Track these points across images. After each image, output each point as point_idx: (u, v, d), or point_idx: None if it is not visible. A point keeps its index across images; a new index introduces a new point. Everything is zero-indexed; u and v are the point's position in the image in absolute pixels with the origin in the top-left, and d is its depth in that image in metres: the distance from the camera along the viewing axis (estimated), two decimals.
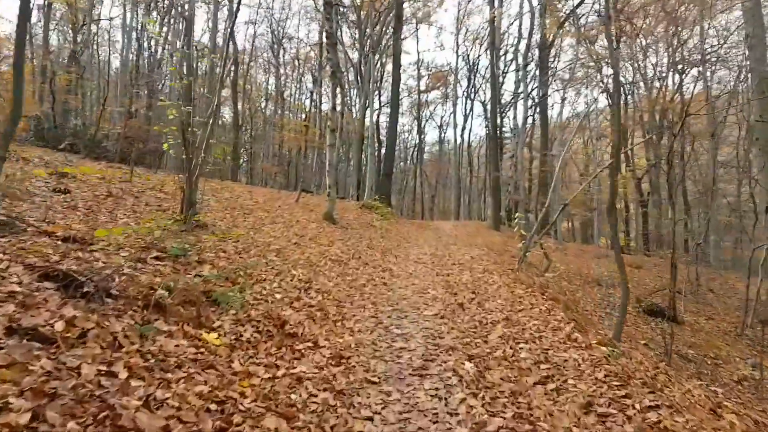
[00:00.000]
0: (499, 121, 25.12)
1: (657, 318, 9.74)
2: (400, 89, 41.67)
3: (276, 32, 33.70)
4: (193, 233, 7.39)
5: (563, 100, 26.62)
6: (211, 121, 7.91)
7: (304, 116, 34.34)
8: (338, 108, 16.70)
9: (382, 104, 37.90)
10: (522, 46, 22.64)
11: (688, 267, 14.26)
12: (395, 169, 47.09)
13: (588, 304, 9.48)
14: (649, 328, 9.22)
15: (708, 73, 27.75)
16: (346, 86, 37.27)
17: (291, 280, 6.11)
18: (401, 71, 25.95)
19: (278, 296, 5.16)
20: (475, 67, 35.95)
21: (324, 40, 17.81)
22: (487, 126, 38.56)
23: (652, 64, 27.60)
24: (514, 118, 25.69)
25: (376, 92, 38.47)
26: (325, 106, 37.12)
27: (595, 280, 12.25)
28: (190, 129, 7.99)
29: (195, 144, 7.90)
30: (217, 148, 10.19)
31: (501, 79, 22.62)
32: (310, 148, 31.20)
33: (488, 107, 38.46)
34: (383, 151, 25.31)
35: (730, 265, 25.42)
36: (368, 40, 25.47)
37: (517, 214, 12.27)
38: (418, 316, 5.52)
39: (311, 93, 18.41)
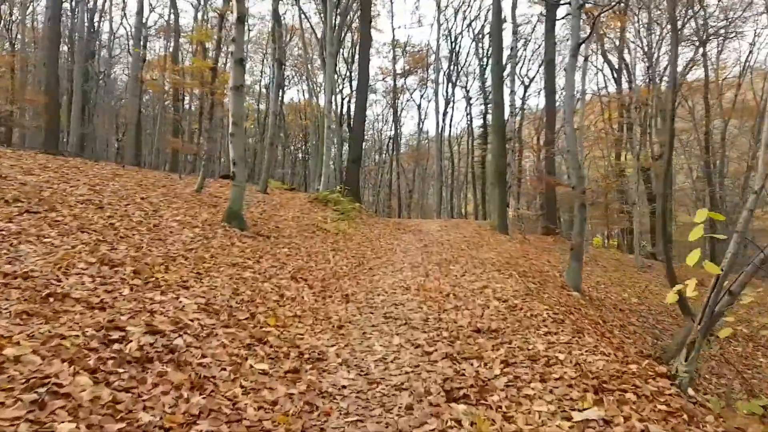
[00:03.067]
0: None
1: None
2: (375, 73, 35.66)
3: None
4: None
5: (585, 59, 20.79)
6: None
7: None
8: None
9: (353, 90, 31.78)
10: None
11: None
12: (369, 161, 41.06)
13: None
14: None
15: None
16: (312, 72, 31.24)
17: None
18: (371, 37, 20.05)
19: None
20: (457, 47, 30.27)
21: None
22: (468, 114, 32.94)
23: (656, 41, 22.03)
24: (511, 93, 19.99)
25: (347, 76, 32.58)
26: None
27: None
28: None
29: None
30: None
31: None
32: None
33: (469, 92, 32.83)
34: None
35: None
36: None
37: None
38: None
39: (220, 18, 12.20)
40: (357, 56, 29.46)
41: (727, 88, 24.17)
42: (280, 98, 32.06)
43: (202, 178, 8.62)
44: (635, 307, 7.07)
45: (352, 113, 30.51)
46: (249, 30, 31.24)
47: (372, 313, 4.47)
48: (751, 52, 25.89)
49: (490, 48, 26.26)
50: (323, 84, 26.60)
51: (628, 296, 7.65)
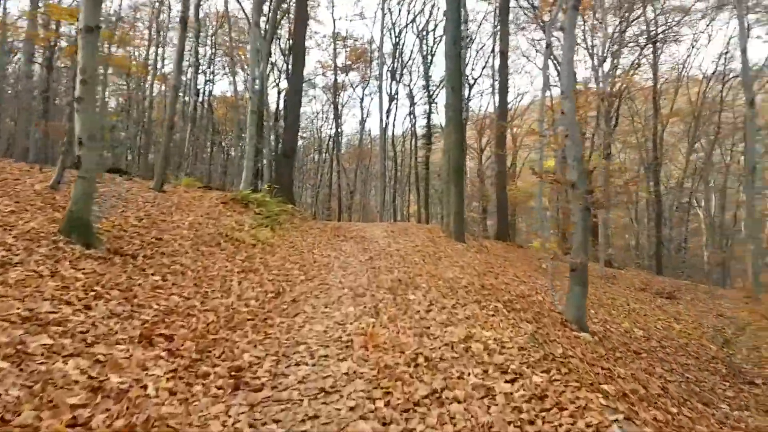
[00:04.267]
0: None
1: None
2: (314, 67, 33.03)
3: None
4: None
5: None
6: None
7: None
8: None
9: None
10: None
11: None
12: (308, 160, 38.34)
13: None
14: None
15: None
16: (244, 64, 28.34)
17: None
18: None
19: None
20: (401, 42, 28.47)
21: None
22: (411, 114, 31.17)
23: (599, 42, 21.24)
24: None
25: (284, 69, 29.73)
26: None
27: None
28: None
29: None
30: None
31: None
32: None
33: (412, 89, 31.19)
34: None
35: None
36: None
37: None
38: None
39: None
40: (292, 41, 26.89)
41: (666, 92, 24.18)
42: (198, 81, 28.73)
43: (60, 169, 5.95)
44: (644, 343, 5.37)
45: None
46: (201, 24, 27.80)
47: (276, 424, 2.26)
48: (689, 56, 26.20)
49: (441, 37, 24.71)
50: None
51: (629, 326, 5.97)
